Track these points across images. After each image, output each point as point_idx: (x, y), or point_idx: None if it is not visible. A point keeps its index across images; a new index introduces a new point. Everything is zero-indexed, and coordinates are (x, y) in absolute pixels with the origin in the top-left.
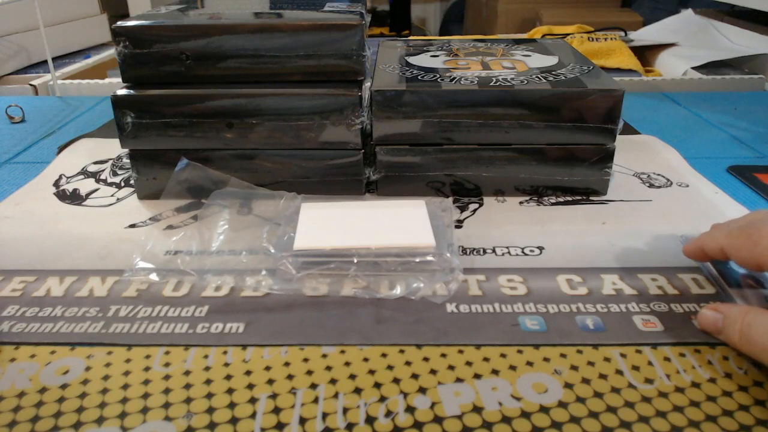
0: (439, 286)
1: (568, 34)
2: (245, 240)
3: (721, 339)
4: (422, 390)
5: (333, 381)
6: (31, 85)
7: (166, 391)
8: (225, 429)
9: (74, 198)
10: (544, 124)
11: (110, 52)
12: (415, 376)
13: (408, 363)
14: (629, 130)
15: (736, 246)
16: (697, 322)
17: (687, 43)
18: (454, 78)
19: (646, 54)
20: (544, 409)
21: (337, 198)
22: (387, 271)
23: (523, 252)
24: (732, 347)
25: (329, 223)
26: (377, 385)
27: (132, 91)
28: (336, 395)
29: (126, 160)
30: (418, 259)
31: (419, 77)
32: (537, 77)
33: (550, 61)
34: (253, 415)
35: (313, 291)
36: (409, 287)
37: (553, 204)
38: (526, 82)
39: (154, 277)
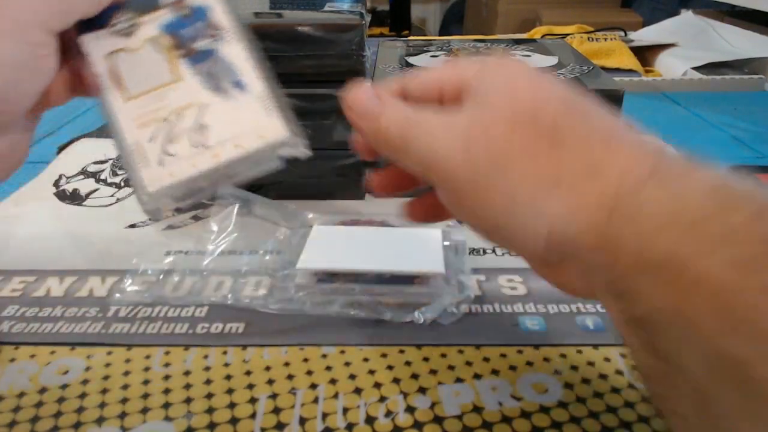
0: (447, 308)
1: (568, 34)
2: (246, 241)
3: (364, 127)
4: (422, 390)
5: (333, 381)
6: None
7: (166, 391)
8: (225, 429)
9: (74, 198)
10: None
11: None
12: (415, 376)
13: (408, 363)
14: None
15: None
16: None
17: (687, 45)
18: None
19: (646, 54)
20: (544, 409)
21: (337, 198)
22: (393, 296)
23: None
24: (372, 139)
25: (338, 245)
26: (377, 385)
27: None
28: (336, 395)
29: None
30: (425, 289)
31: None
32: None
33: (550, 61)
34: (253, 416)
35: (312, 310)
36: (414, 313)
37: None
38: None
39: (144, 298)
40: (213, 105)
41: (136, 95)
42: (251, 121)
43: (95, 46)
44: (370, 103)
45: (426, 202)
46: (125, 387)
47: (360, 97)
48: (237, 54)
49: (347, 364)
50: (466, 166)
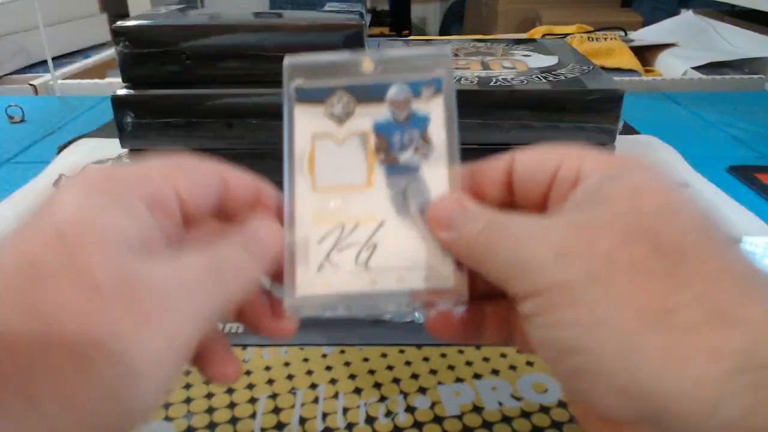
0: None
1: (568, 34)
2: None
3: (447, 239)
4: (422, 390)
5: (333, 381)
6: (31, 85)
7: None
8: (225, 429)
9: None
10: (544, 124)
11: (110, 52)
12: (415, 376)
13: (408, 363)
14: (629, 130)
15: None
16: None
17: (687, 45)
18: (454, 78)
19: (646, 54)
20: (544, 409)
21: None
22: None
23: None
24: (457, 251)
25: None
26: (377, 385)
27: (132, 91)
28: (336, 395)
29: (126, 160)
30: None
31: None
32: (537, 77)
33: (550, 61)
34: (253, 415)
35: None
36: (414, 313)
37: None
38: (526, 82)
39: None
40: (392, 226)
41: (323, 188)
42: (424, 258)
43: (305, 121)
44: (452, 212)
45: (458, 318)
46: None
47: (440, 208)
48: (437, 178)
49: (347, 364)
50: (557, 274)
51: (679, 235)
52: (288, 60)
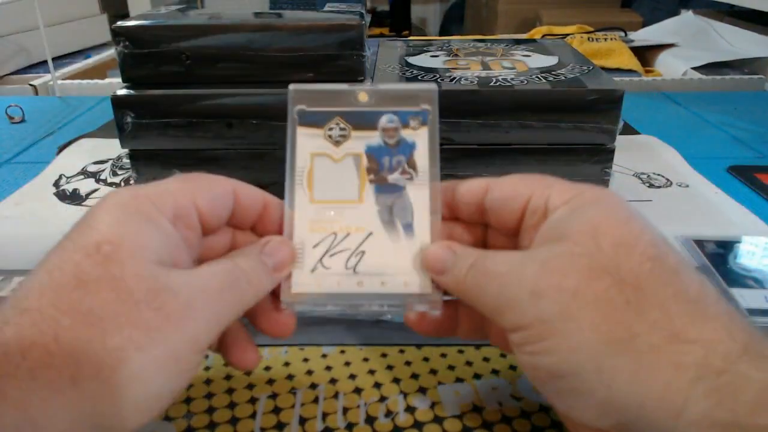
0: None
1: (568, 34)
2: None
3: (442, 282)
4: (422, 390)
5: (333, 381)
6: (31, 85)
7: None
8: (225, 429)
9: (74, 198)
10: (544, 124)
11: (110, 52)
12: (415, 376)
13: (408, 363)
14: (629, 130)
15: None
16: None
17: (687, 45)
18: (454, 78)
19: (646, 54)
20: (544, 409)
21: None
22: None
23: None
24: (451, 292)
25: None
26: (377, 385)
27: (132, 91)
28: (336, 395)
29: (126, 160)
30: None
31: (419, 77)
32: (537, 77)
33: (550, 61)
34: (253, 415)
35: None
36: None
37: None
38: (526, 82)
39: None
40: (378, 237)
41: (320, 201)
42: (404, 266)
43: (305, 141)
44: (445, 257)
45: (434, 316)
46: None
47: (435, 256)
48: (419, 198)
49: (347, 364)
50: (535, 312)
51: (636, 267)
52: (293, 86)
